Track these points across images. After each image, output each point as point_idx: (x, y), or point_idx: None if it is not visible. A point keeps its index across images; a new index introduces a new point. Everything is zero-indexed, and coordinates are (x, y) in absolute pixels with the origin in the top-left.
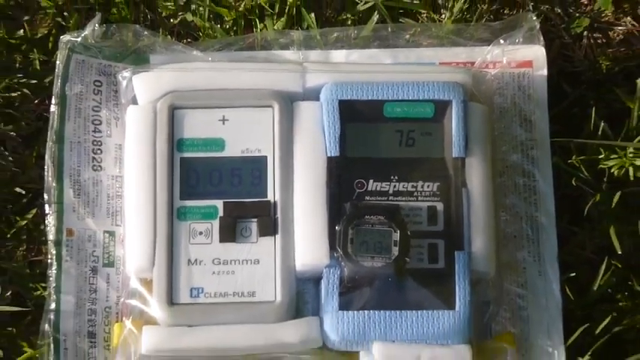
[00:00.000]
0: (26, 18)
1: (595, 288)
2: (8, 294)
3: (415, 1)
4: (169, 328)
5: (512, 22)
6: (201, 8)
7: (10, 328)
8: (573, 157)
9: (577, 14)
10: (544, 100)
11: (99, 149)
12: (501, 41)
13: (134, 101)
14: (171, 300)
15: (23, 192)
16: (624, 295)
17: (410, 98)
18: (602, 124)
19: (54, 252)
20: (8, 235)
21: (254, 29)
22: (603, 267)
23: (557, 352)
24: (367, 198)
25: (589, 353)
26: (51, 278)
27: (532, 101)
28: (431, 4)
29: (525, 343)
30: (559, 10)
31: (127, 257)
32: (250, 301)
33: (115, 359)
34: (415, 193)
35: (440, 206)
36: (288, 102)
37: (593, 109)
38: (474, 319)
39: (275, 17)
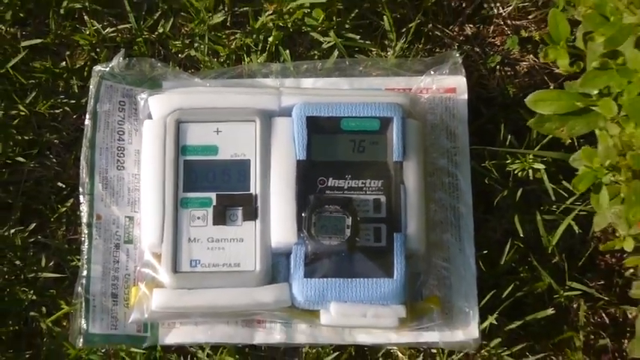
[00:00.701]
0: (67, 53)
1: (502, 262)
2: (51, 264)
3: (367, 42)
4: (173, 290)
5: (441, 58)
6: (202, 46)
7: (51, 290)
8: (487, 162)
9: (491, 52)
10: (465, 118)
11: (122, 153)
12: (432, 72)
13: (149, 117)
14: (175, 269)
15: (64, 186)
16: (525, 268)
17: (361, 115)
18: (510, 136)
19: (86, 232)
20: (52, 219)
21: (242, 62)
22: (508, 246)
23: (472, 311)
24: (327, 192)
25: (497, 312)
26: (84, 252)
27: (456, 119)
28: (379, 44)
29: (448, 305)
30: (477, 49)
31: (142, 236)
32: (236, 270)
33: (132, 315)
34: (364, 189)
35: (383, 199)
36: (267, 118)
37: (503, 125)
38: (408, 285)
39: (259, 53)
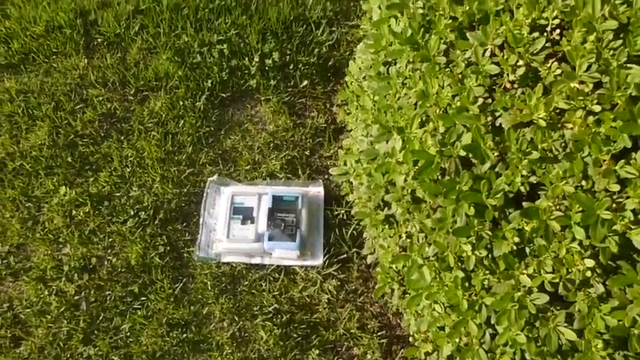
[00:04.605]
0: (199, 176)
1: (330, 241)
2: (190, 238)
3: (293, 176)
4: (226, 244)
5: (316, 181)
6: (241, 175)
7: (190, 246)
8: (328, 212)
9: (341, 183)
10: (322, 200)
11: (214, 204)
12: (312, 185)
13: (223, 194)
14: (228, 237)
15: (197, 219)
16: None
17: (289, 195)
18: (333, 203)
19: (202, 228)
20: (195, 230)
21: (254, 179)
22: (332, 236)
23: (320, 254)
24: (277, 216)
25: (327, 256)
26: (200, 234)
27: (319, 200)
28: (297, 175)
29: (313, 252)
30: (333, 183)
31: (217, 228)
32: (246, 238)
33: (213, 251)
34: (289, 216)
35: (295, 219)
36: (260, 195)
37: (333, 202)
38: (301, 246)
39: (260, 177)
